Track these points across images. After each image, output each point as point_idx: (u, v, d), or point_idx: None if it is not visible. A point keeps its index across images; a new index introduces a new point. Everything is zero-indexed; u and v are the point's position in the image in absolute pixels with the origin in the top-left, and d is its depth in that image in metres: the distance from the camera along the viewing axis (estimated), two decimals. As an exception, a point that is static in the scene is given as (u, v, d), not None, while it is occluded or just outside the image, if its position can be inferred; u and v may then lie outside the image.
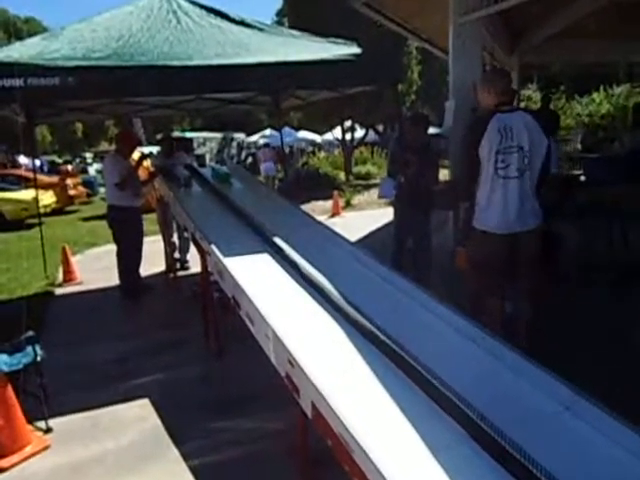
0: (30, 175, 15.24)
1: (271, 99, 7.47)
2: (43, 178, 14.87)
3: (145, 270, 6.10)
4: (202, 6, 5.36)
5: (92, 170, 25.05)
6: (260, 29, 5.23)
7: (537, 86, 14.34)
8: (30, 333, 3.13)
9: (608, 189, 4.98)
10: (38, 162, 9.85)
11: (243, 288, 2.88)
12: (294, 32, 5.51)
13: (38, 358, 3.14)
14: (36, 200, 8.12)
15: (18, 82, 3.71)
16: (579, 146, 10.51)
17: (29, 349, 3.13)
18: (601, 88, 13.99)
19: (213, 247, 3.47)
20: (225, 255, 3.33)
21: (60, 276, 6.79)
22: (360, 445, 1.75)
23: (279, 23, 24.96)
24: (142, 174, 6.18)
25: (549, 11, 6.95)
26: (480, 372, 2.34)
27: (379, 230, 6.10)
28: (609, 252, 5.11)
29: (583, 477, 1.68)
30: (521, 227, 3.29)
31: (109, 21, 4.78)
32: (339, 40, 5.33)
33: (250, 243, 3.72)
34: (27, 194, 12.39)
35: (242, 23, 5.21)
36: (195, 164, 6.39)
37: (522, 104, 6.97)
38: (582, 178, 6.68)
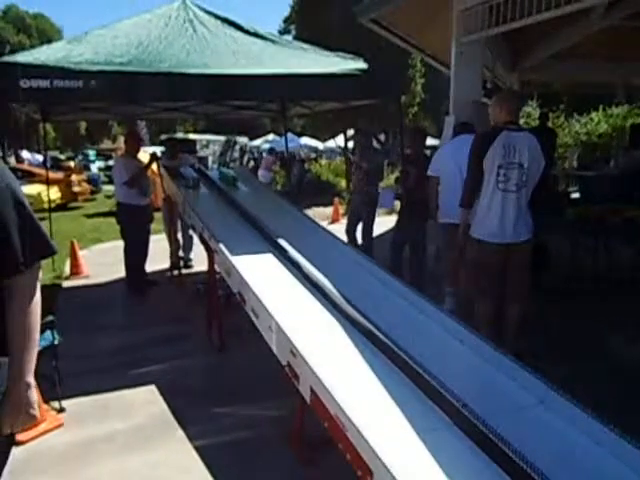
0: (33, 170, 15.39)
1: (278, 107, 7.72)
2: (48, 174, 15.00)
3: (150, 267, 6.30)
4: (217, 16, 5.58)
5: (94, 167, 25.17)
6: (272, 41, 5.46)
7: (537, 103, 14.58)
8: (50, 318, 3.31)
9: (594, 206, 5.24)
10: (41, 158, 10.00)
11: (249, 284, 3.10)
12: (304, 45, 5.73)
13: (55, 342, 3.34)
14: (47, 195, 8.30)
15: (44, 83, 3.94)
16: (575, 164, 10.75)
17: (47, 333, 3.29)
18: (600, 108, 14.22)
19: (221, 246, 3.68)
20: (233, 254, 3.55)
21: (67, 269, 6.97)
22: (353, 423, 1.97)
23: (286, 30, 25.24)
24: (150, 175, 6.38)
25: (549, 32, 7.19)
26: (464, 367, 2.58)
27: (377, 237, 6.34)
28: (593, 266, 5.36)
29: (554, 462, 1.89)
30: (515, 238, 3.54)
31: (129, 27, 5.01)
32: (347, 55, 5.58)
33: (256, 243, 3.95)
34: (32, 189, 12.45)
35: (255, 35, 5.43)
36: (201, 166, 6.59)
37: (521, 121, 7.25)
38: (576, 195, 6.93)
